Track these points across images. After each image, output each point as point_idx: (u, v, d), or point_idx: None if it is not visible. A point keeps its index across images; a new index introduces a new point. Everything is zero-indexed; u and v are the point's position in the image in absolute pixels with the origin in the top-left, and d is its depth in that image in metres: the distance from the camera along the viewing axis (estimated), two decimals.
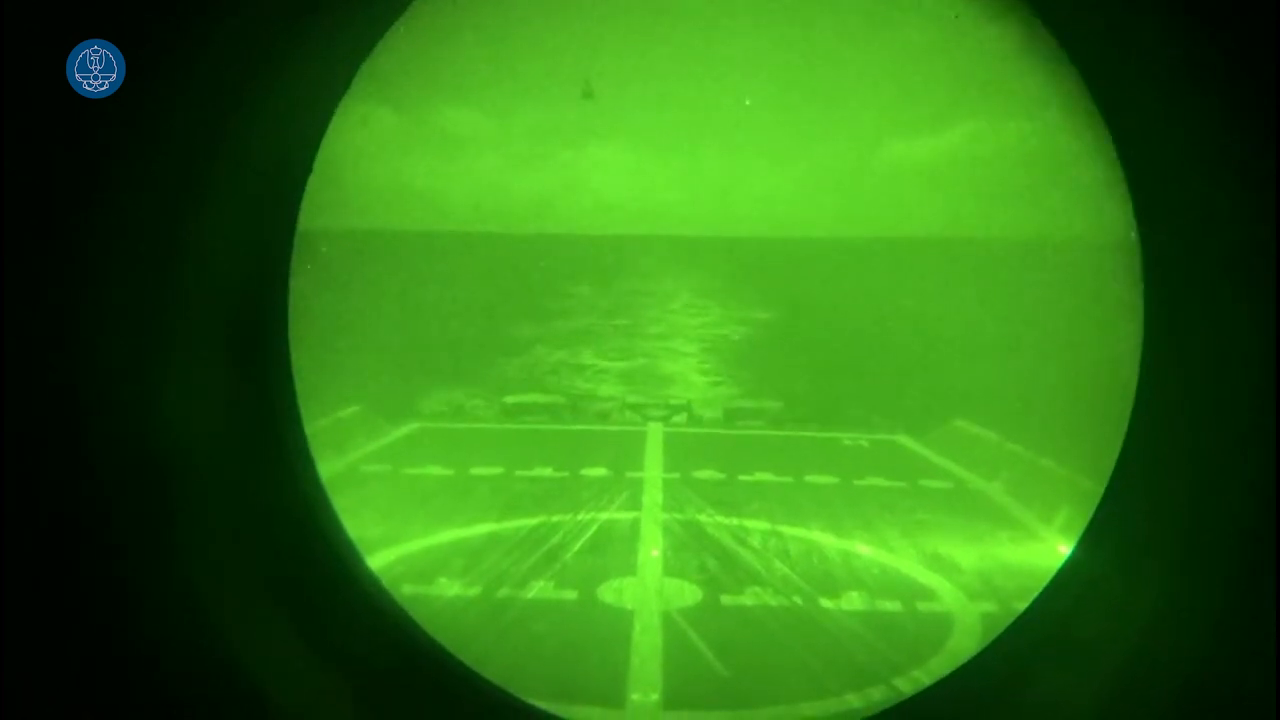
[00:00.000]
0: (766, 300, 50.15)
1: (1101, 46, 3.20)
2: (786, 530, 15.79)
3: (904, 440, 23.25)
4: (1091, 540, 3.67)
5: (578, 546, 14.80)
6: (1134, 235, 3.31)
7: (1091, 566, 3.66)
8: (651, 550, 14.78)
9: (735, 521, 16.23)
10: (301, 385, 3.93)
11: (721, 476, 19.38)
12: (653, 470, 20.07)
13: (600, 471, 19.50)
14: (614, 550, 14.72)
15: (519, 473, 19.42)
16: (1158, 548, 3.36)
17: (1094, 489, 3.73)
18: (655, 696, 10.23)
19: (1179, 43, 2.85)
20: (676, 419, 26.28)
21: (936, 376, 28.73)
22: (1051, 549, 14.77)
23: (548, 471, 19.59)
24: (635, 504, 17.23)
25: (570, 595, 12.94)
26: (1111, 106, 3.25)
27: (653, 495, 17.91)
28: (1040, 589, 3.81)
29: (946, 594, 13.19)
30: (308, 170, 3.69)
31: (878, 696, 9.96)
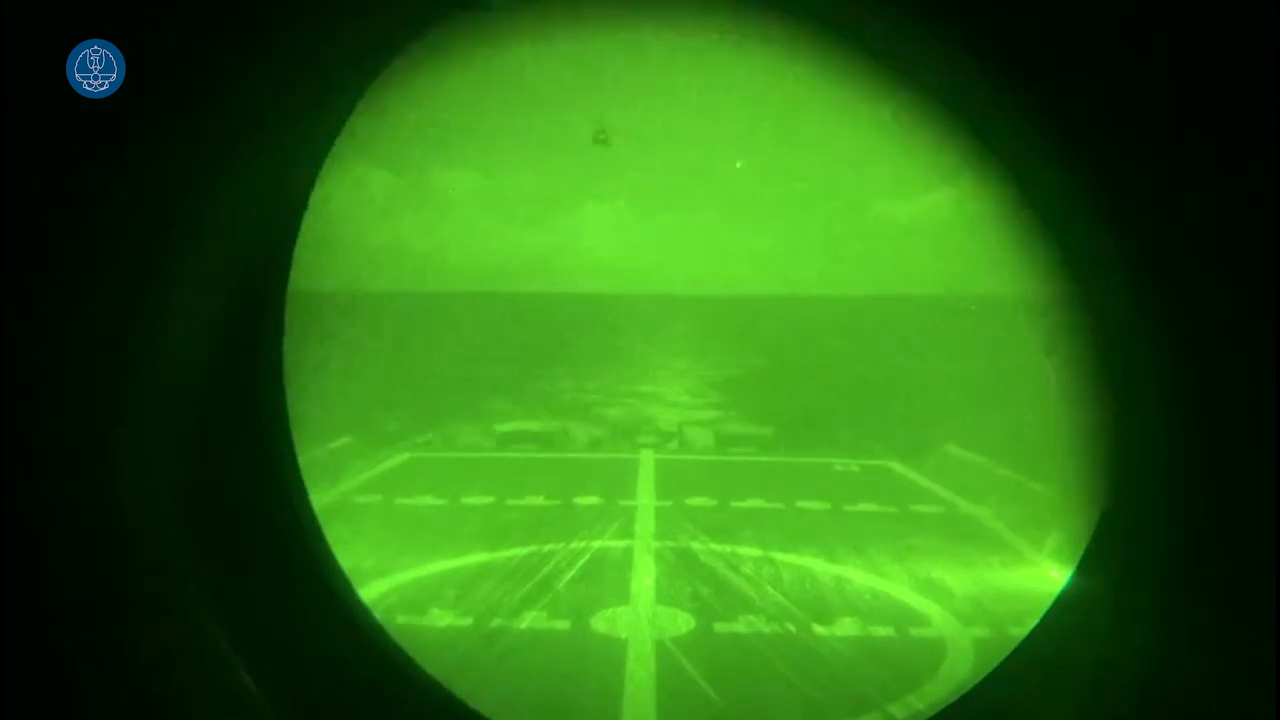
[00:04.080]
0: (760, 353, 50.34)
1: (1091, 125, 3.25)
2: (779, 556, 15.78)
3: (895, 465, 23.31)
4: (1087, 567, 3.69)
5: (570, 575, 14.76)
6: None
7: (1088, 593, 3.68)
8: (645, 579, 14.74)
9: (728, 548, 16.21)
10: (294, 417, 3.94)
11: (713, 503, 19.38)
12: (645, 498, 20.06)
13: (592, 500, 19.48)
14: (607, 579, 14.68)
15: (511, 502, 19.40)
16: (1155, 573, 3.37)
17: (1084, 512, 3.75)
18: None
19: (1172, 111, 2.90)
20: (669, 446, 26.31)
21: (926, 410, 28.86)
22: (1043, 573, 14.78)
23: (540, 500, 19.57)
24: (628, 532, 17.21)
25: (563, 625, 12.89)
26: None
27: (645, 523, 17.89)
28: (1033, 614, 3.82)
29: (939, 619, 13.18)
30: (304, 204, 3.73)
31: None
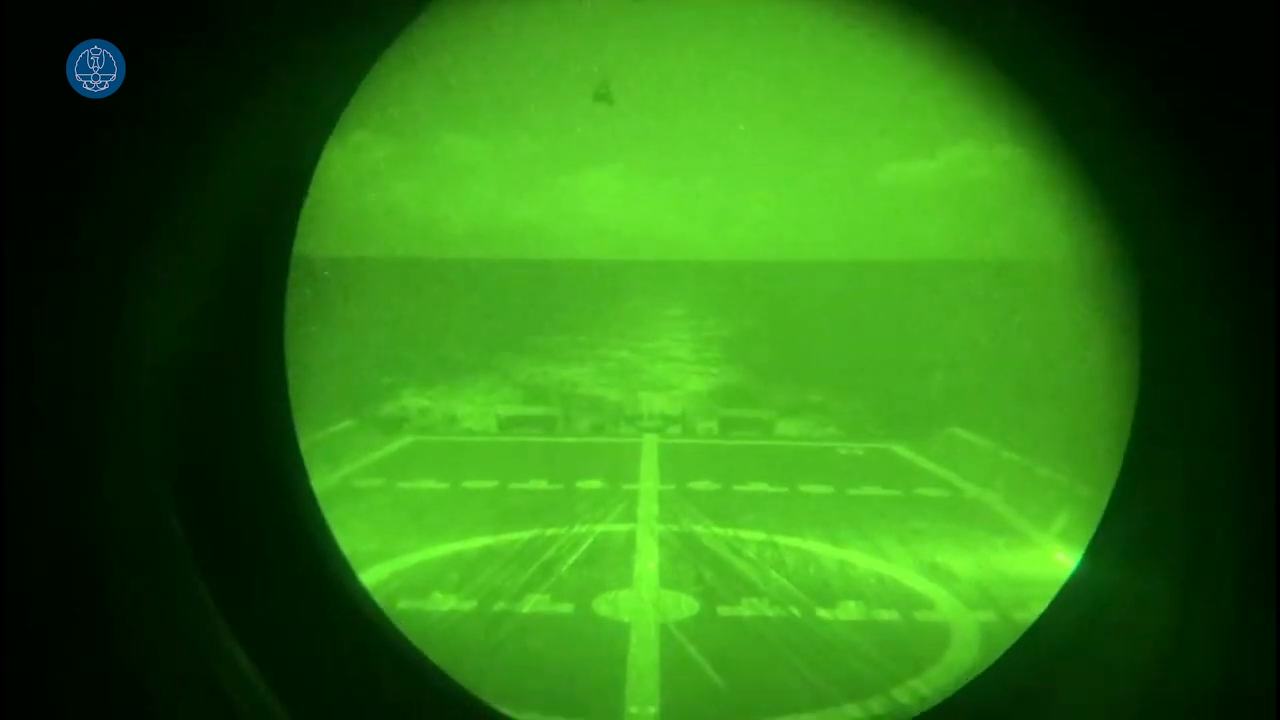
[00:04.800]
0: (764, 321, 50.38)
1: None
2: (782, 540, 15.77)
3: (899, 449, 23.28)
4: (1096, 552, 3.64)
5: (573, 559, 14.76)
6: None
7: (1098, 579, 3.64)
8: (648, 562, 14.74)
9: (731, 532, 16.20)
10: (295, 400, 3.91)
11: (717, 487, 19.37)
12: (648, 482, 20.05)
13: (595, 484, 19.47)
14: (610, 563, 14.68)
15: (514, 486, 19.40)
16: (1165, 558, 3.33)
17: (1091, 495, 3.71)
18: (653, 710, 10.18)
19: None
20: (671, 430, 26.33)
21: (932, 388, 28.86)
22: (1048, 556, 14.76)
23: (543, 484, 19.56)
24: (631, 516, 17.20)
25: (566, 609, 12.89)
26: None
27: (648, 507, 17.88)
28: (1038, 599, 3.78)
29: (944, 603, 13.16)
30: (307, 182, 3.69)
31: (877, 708, 9.92)
